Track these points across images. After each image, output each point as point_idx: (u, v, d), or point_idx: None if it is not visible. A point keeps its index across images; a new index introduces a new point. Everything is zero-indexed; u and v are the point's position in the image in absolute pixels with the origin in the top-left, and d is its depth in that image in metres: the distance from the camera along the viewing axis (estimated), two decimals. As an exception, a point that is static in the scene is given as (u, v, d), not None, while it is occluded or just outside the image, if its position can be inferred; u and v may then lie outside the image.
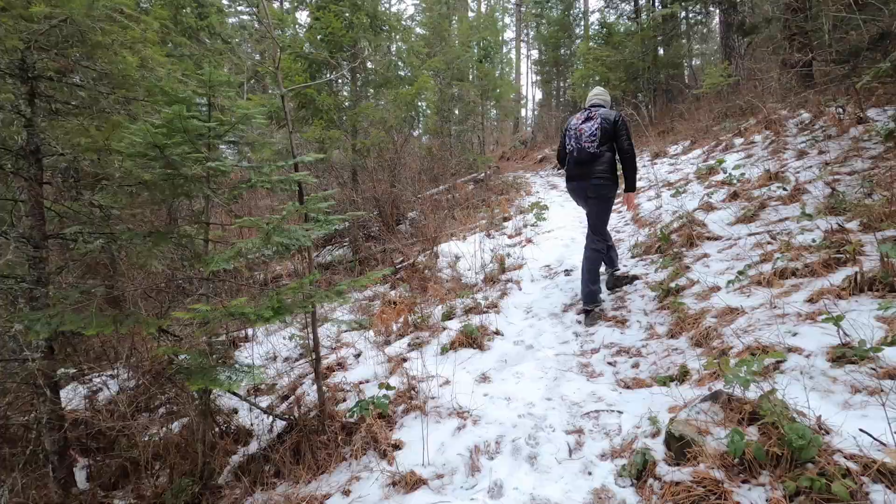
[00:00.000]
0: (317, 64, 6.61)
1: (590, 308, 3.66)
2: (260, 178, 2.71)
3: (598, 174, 3.61)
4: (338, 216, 3.05)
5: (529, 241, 5.88)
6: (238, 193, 2.78)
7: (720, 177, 5.74)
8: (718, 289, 3.29)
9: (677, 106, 11.36)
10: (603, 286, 4.15)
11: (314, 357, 3.06)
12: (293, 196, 3.54)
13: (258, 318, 2.13)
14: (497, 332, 3.64)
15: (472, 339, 3.45)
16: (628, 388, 2.74)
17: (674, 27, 13.71)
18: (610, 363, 3.03)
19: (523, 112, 26.91)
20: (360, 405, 2.66)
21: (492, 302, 4.18)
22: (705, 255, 3.87)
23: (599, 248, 3.80)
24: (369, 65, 8.47)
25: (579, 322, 3.69)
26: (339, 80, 7.52)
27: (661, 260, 4.14)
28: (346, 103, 7.74)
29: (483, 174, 10.52)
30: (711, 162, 6.37)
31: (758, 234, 3.83)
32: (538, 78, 23.96)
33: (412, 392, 2.92)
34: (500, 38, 20.57)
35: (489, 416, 2.58)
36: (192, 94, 2.73)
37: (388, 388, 2.85)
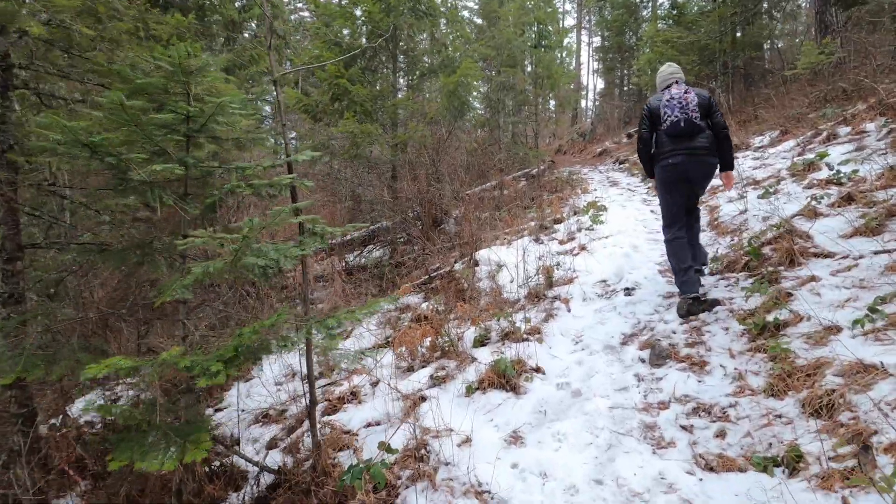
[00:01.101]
0: (353, 52, 6.12)
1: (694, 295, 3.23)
2: (238, 182, 2.19)
3: (705, 150, 3.31)
4: (339, 228, 2.51)
5: (583, 248, 5.11)
6: (214, 201, 2.28)
7: (823, 174, 4.71)
8: (839, 330, 2.44)
9: (762, 90, 9.99)
10: (673, 312, 3.36)
11: (308, 399, 2.54)
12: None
13: (204, 373, 1.60)
14: (537, 370, 2.97)
15: (506, 379, 2.80)
16: (711, 469, 2.00)
17: (757, 3, 12.15)
18: (684, 427, 2.28)
19: (583, 103, 25.54)
20: (352, 472, 2.09)
21: (534, 327, 3.50)
22: (813, 279, 2.99)
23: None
24: (426, 57, 7.91)
25: (643, 360, 2.94)
26: (379, 70, 7.01)
27: (751, 283, 3.28)
28: (400, 93, 7.22)
29: (536, 169, 9.73)
30: (810, 156, 5.29)
31: (890, 251, 2.91)
32: (600, 66, 22.60)
33: (423, 451, 2.32)
34: (561, 24, 19.41)
35: None
36: (164, 80, 2.26)
37: (390, 450, 2.27)
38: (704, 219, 5.17)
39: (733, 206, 4.94)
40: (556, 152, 15.77)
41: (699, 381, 2.59)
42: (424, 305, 4.68)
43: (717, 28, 11.31)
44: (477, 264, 5.04)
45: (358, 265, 6.90)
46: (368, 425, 2.87)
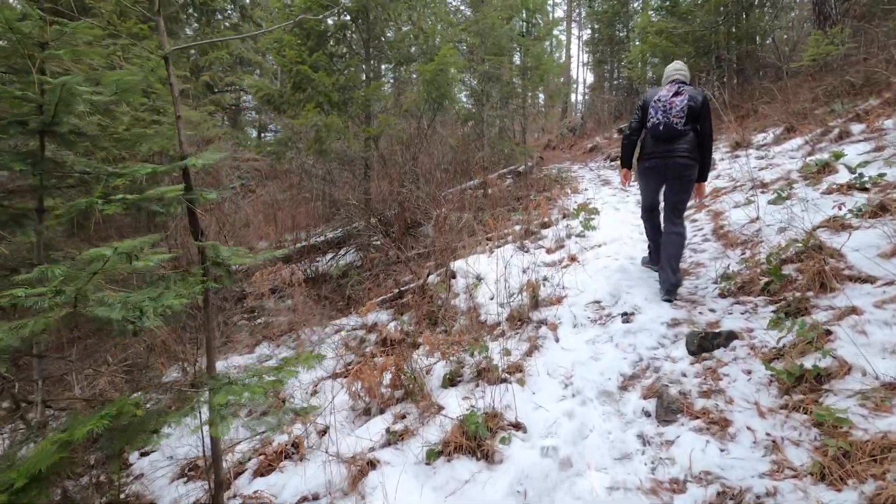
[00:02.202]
0: (317, 35, 5.46)
1: (670, 298, 3.33)
2: (97, 196, 1.56)
3: (682, 153, 3.33)
4: (251, 256, 1.90)
5: (574, 258, 4.54)
6: (73, 219, 1.65)
7: (842, 177, 4.17)
8: (905, 389, 1.89)
9: (763, 83, 9.49)
10: (681, 347, 2.80)
11: (213, 481, 1.94)
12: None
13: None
14: (516, 426, 2.38)
15: (477, 443, 2.21)
16: None
17: (753, -8, 11.61)
18: (708, 525, 1.72)
19: (573, 97, 24.97)
20: None
21: (515, 363, 2.92)
22: (853, 311, 2.44)
23: (682, 231, 3.50)
24: (406, 42, 7.22)
25: (648, 414, 2.37)
26: (349, 59, 6.34)
27: (775, 312, 2.73)
28: (380, 83, 6.55)
29: (523, 166, 9.13)
30: (824, 156, 4.76)
31: (950, 280, 2.37)
32: (590, 60, 22.07)
33: (361, 557, 1.73)
34: (551, 15, 18.76)
35: None
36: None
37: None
38: (708, 226, 4.63)
39: (742, 213, 4.39)
40: (544, 148, 15.20)
41: (722, 450, 2.02)
42: (392, 326, 4.08)
43: (713, 18, 10.78)
44: (454, 276, 4.45)
45: (323, 274, 6.27)
46: (304, 500, 2.27)
